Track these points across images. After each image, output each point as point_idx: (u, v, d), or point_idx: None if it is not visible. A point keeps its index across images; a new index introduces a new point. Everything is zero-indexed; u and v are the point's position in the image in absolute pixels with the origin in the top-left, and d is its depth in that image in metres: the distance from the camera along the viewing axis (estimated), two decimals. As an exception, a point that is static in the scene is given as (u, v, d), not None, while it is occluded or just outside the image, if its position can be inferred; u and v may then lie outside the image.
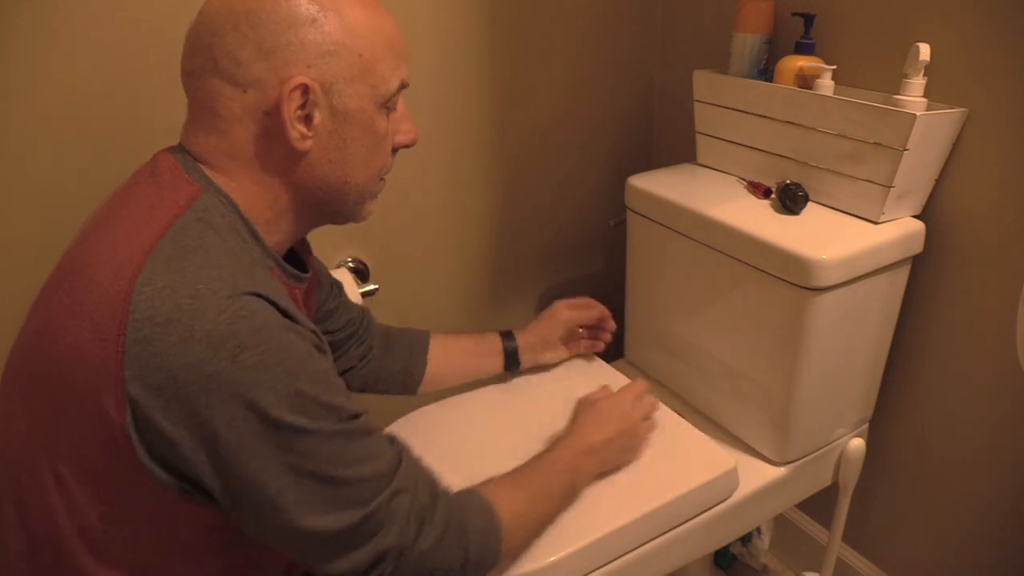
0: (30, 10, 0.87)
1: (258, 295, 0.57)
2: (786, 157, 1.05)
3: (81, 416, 0.56)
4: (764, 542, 1.32)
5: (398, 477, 0.63)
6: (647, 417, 0.95)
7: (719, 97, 1.13)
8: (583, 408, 0.93)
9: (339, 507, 0.59)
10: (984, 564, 1.08)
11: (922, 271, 1.03)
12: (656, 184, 1.13)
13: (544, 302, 1.47)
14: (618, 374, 1.13)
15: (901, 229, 0.97)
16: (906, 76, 0.92)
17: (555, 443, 0.86)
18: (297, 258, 0.77)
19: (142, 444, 0.55)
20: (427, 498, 0.65)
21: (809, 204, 1.01)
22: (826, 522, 1.28)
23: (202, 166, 0.64)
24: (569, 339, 1.13)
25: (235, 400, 0.54)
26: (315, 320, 0.90)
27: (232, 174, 0.64)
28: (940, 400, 1.07)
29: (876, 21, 1.01)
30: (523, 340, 1.08)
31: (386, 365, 0.99)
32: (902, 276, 1.01)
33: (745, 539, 1.32)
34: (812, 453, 1.06)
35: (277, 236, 0.68)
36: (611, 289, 1.50)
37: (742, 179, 1.13)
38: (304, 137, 0.63)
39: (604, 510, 0.86)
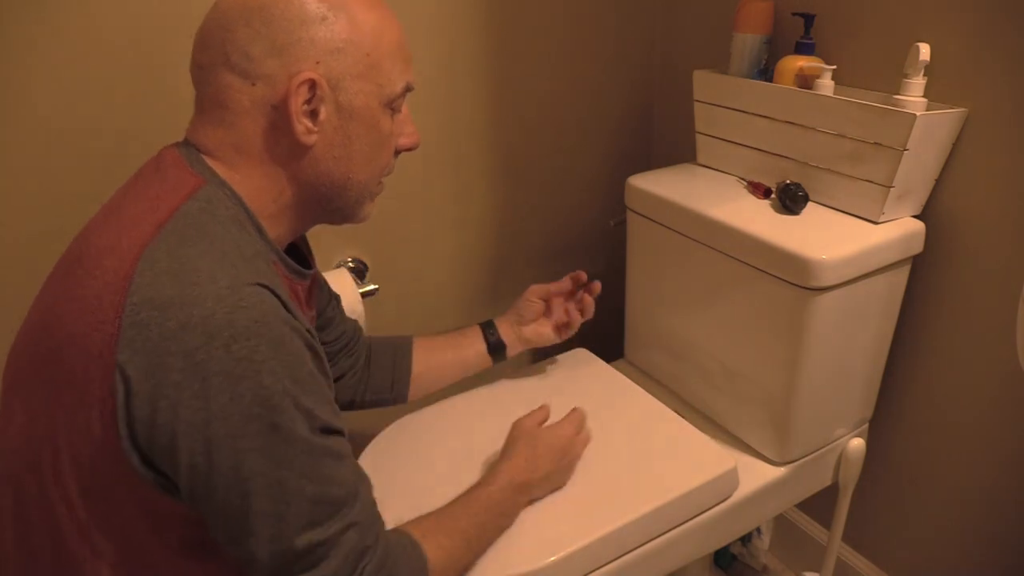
0: (31, 10, 0.87)
1: (261, 285, 0.57)
2: (786, 157, 1.05)
3: (78, 404, 0.56)
4: (764, 542, 1.32)
5: (356, 511, 0.63)
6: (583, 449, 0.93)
7: (719, 97, 1.13)
8: (520, 438, 0.88)
9: (297, 523, 0.58)
10: (984, 564, 1.08)
11: (922, 271, 1.03)
12: (656, 184, 1.13)
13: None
14: (618, 374, 1.13)
15: (901, 229, 0.97)
16: (906, 76, 0.92)
17: (489, 476, 0.83)
18: (299, 255, 0.77)
19: (127, 430, 0.55)
20: (371, 539, 0.64)
21: (809, 204, 1.01)
22: (826, 522, 1.28)
23: (207, 159, 0.64)
24: (551, 314, 1.10)
25: (222, 391, 0.54)
26: (316, 327, 0.90)
27: (238, 167, 0.64)
28: (940, 400, 1.07)
29: (876, 21, 1.01)
30: (501, 321, 1.08)
31: (373, 372, 0.99)
32: (902, 276, 1.01)
33: (745, 539, 1.33)
34: (812, 453, 1.06)
35: (279, 230, 0.68)
36: (611, 289, 1.50)
37: (742, 179, 1.13)
38: (309, 131, 0.64)
39: (604, 510, 0.86)
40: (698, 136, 1.20)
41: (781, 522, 1.36)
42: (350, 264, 1.20)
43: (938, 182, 0.99)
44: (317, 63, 0.62)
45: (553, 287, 1.10)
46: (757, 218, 0.99)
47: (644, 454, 0.96)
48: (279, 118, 0.63)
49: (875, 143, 0.93)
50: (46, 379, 0.58)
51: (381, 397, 1.00)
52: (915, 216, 1.00)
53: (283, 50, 0.62)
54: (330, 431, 0.61)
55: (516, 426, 0.90)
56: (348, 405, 0.99)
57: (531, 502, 0.87)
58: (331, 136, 0.65)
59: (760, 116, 1.07)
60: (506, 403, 1.05)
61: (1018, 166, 0.91)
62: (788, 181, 1.01)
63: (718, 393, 1.10)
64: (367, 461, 0.96)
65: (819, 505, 1.28)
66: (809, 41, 1.05)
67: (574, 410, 0.94)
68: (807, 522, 1.33)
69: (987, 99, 0.91)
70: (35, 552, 0.61)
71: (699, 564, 1.25)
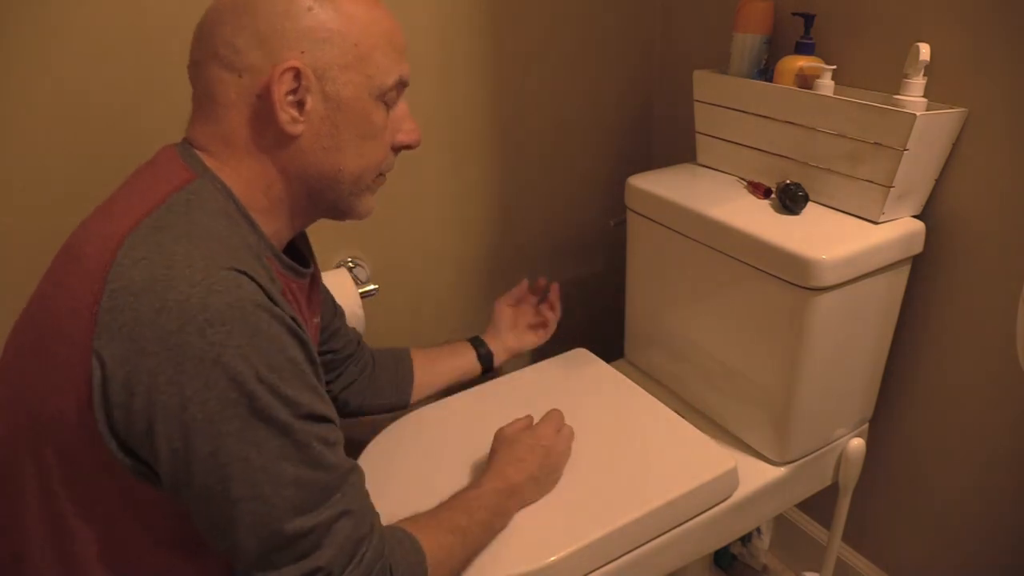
0: (30, 11, 0.87)
1: (238, 270, 0.57)
2: (786, 157, 1.05)
3: (58, 391, 0.56)
4: (764, 542, 1.32)
5: (348, 498, 0.62)
6: (568, 446, 0.94)
7: (719, 97, 1.13)
8: (502, 444, 0.89)
9: (282, 507, 0.57)
10: (984, 564, 1.08)
11: (922, 271, 1.03)
12: (656, 184, 1.13)
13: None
14: (618, 374, 1.13)
15: (901, 229, 0.97)
16: (906, 76, 0.92)
17: (477, 481, 0.83)
18: (300, 256, 0.77)
19: (104, 416, 0.55)
20: (366, 529, 0.64)
21: (809, 204, 1.01)
22: (826, 522, 1.28)
23: (200, 154, 0.65)
24: (525, 319, 1.18)
25: (196, 376, 0.53)
26: (321, 339, 0.93)
27: (227, 160, 0.65)
28: (940, 400, 1.07)
29: (876, 21, 1.01)
30: (484, 335, 1.15)
31: (379, 375, 1.02)
32: (902, 276, 1.01)
33: (745, 539, 1.32)
34: (812, 453, 1.06)
35: (276, 225, 0.68)
36: (611, 289, 1.50)
37: (742, 179, 1.13)
38: (295, 120, 0.63)
39: (604, 510, 0.86)
40: (698, 136, 1.20)
41: (781, 522, 1.36)
42: (350, 264, 1.20)
43: (938, 182, 0.99)
44: (302, 52, 0.62)
45: (514, 292, 1.18)
46: (757, 218, 0.99)
47: (644, 454, 0.96)
48: (264, 108, 0.63)
49: (875, 143, 0.93)
50: (31, 366, 0.59)
51: (387, 401, 1.04)
52: (915, 216, 1.00)
53: (267, 40, 0.62)
54: (316, 417, 0.60)
55: (497, 435, 0.91)
56: (358, 411, 1.02)
57: (523, 506, 0.86)
58: (318, 126, 0.65)
59: (760, 116, 1.07)
60: (506, 403, 1.05)
61: (1018, 166, 0.91)
62: (788, 181, 1.01)
63: (718, 393, 1.10)
64: (367, 461, 0.96)
65: (819, 505, 1.28)
66: (809, 41, 1.05)
67: (551, 411, 0.95)
68: (807, 522, 1.33)
69: (987, 99, 0.91)
70: (24, 542, 0.61)
71: (699, 564, 1.25)
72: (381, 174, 0.73)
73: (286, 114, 0.63)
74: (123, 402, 0.54)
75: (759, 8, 1.09)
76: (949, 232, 1.00)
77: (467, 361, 1.11)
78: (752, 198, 1.06)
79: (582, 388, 1.11)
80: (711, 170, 1.19)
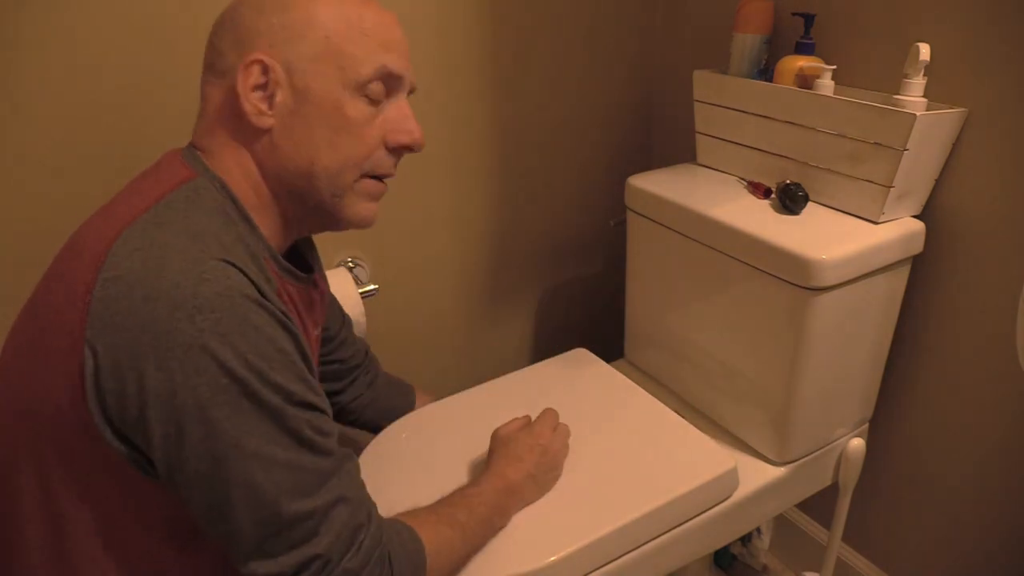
0: (31, 10, 0.87)
1: (228, 262, 0.57)
2: (786, 157, 1.05)
3: (53, 380, 0.57)
4: (764, 542, 1.32)
5: (344, 484, 0.62)
6: (565, 444, 0.93)
7: (719, 97, 1.13)
8: (499, 445, 0.89)
9: (278, 490, 0.57)
10: (984, 564, 1.08)
11: (922, 271, 1.03)
12: (656, 184, 1.13)
13: (543, 302, 1.47)
14: (618, 374, 1.13)
15: (901, 229, 0.97)
16: (906, 76, 0.92)
17: (476, 481, 0.83)
18: (303, 263, 0.78)
19: (97, 404, 0.55)
20: (364, 517, 0.63)
21: (809, 204, 1.01)
22: (826, 522, 1.28)
23: (201, 155, 0.66)
24: None
25: (186, 362, 0.54)
26: (329, 349, 0.95)
27: (219, 158, 0.66)
28: (940, 400, 1.07)
29: (876, 21, 1.01)
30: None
31: (388, 399, 1.06)
32: (902, 276, 1.01)
33: (745, 539, 1.32)
34: (812, 453, 1.06)
35: (271, 227, 0.68)
36: (611, 289, 1.50)
37: (742, 179, 1.13)
38: (261, 113, 0.64)
39: (604, 510, 0.86)
40: (698, 136, 1.20)
41: (781, 522, 1.36)
42: (350, 264, 1.20)
43: (938, 182, 0.99)
44: (271, 47, 0.63)
45: None
46: (757, 218, 0.99)
47: (644, 454, 0.96)
48: (236, 103, 0.64)
49: (875, 143, 0.93)
50: (29, 365, 0.59)
51: (396, 404, 1.07)
52: (915, 216, 1.00)
53: (241, 40, 0.64)
54: (307, 405, 0.60)
55: (494, 436, 0.91)
56: (368, 425, 1.04)
57: (523, 505, 0.86)
58: (288, 120, 0.65)
59: (760, 116, 1.07)
60: (506, 403, 1.05)
61: (1018, 166, 0.91)
62: (788, 181, 1.01)
63: (718, 393, 1.10)
64: (367, 460, 0.95)
65: (819, 505, 1.28)
66: (809, 41, 1.05)
67: (545, 410, 0.95)
68: (807, 522, 1.33)
69: (987, 99, 0.91)
70: (25, 537, 0.61)
71: (699, 564, 1.25)
72: (376, 177, 0.70)
73: (251, 105, 0.63)
74: (115, 388, 0.55)
75: (759, 8, 1.09)
76: (949, 232, 1.00)
77: None
78: (752, 198, 1.06)
79: (582, 388, 1.11)
80: (711, 170, 1.19)
